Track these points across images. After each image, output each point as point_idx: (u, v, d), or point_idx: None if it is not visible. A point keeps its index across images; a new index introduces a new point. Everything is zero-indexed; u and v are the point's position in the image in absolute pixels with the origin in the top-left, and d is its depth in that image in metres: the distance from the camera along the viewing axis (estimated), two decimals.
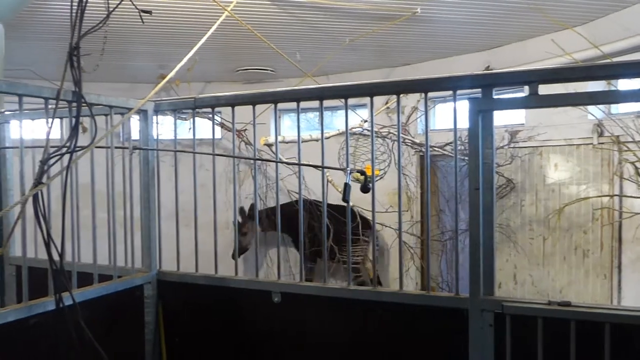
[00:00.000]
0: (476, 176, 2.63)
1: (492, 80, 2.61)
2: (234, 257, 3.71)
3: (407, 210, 6.98)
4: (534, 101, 2.52)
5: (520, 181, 6.27)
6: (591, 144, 5.59)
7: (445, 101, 6.82)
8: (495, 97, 2.63)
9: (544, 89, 2.51)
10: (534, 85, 2.50)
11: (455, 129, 2.80)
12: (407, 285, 6.81)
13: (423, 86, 2.87)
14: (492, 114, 2.64)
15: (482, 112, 2.61)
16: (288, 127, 8.50)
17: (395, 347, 2.95)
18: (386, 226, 6.18)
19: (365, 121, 5.79)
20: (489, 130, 2.63)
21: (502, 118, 6.26)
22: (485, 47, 6.33)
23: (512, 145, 6.16)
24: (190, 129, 6.55)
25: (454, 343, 2.75)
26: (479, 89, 2.64)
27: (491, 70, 6.15)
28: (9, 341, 2.54)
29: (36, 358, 2.77)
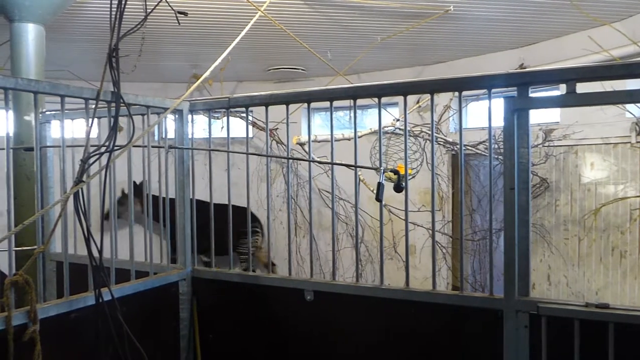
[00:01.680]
0: (511, 176, 2.60)
1: (528, 79, 2.58)
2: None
3: (440, 210, 6.94)
4: (572, 100, 2.47)
5: (555, 180, 6.16)
6: (629, 142, 5.46)
7: (478, 99, 6.74)
8: (531, 95, 2.60)
9: (580, 87, 2.46)
10: (571, 84, 2.46)
11: (490, 128, 2.77)
12: (439, 284, 6.78)
13: (457, 85, 2.84)
14: (528, 112, 2.60)
15: (517, 110, 2.58)
16: (318, 125, 8.52)
17: (428, 347, 2.94)
18: (418, 225, 6.15)
19: (398, 120, 5.76)
20: (525, 129, 2.60)
21: (536, 116, 6.17)
22: (519, 44, 6.24)
23: (546, 144, 6.05)
24: (222, 128, 6.64)
25: (488, 344, 2.73)
26: (514, 88, 2.61)
27: (525, 68, 6.06)
28: (51, 334, 2.62)
29: (77, 351, 2.85)
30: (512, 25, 5.54)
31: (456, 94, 6.68)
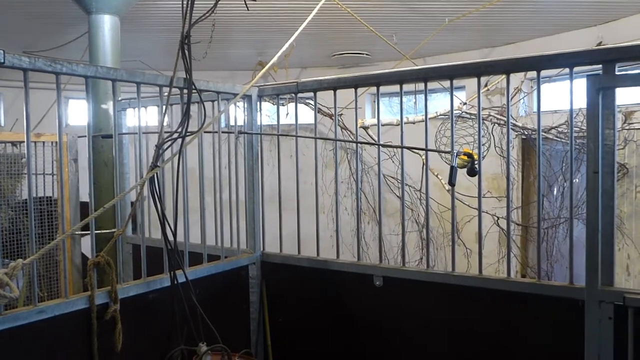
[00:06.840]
0: (595, 159, 2.46)
1: (616, 55, 2.42)
2: None
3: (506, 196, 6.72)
4: None
5: (635, 166, 5.82)
6: None
7: (550, 81, 6.44)
8: (618, 73, 2.44)
9: None
10: None
11: (571, 110, 2.63)
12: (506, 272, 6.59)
13: (536, 64, 2.69)
14: (614, 91, 2.45)
15: (602, 89, 2.43)
16: (380, 110, 8.43)
17: (501, 336, 2.85)
18: (484, 212, 5.97)
19: (464, 103, 5.61)
20: (611, 109, 2.44)
21: None
22: (596, 21, 5.90)
23: (626, 126, 5.72)
24: (287, 114, 6.68)
25: (567, 335, 2.62)
26: (594, 66, 2.46)
27: (603, 46, 5.73)
28: (131, 312, 2.73)
29: (153, 330, 2.95)
30: (588, 1, 5.24)
31: (527, 75, 6.44)
